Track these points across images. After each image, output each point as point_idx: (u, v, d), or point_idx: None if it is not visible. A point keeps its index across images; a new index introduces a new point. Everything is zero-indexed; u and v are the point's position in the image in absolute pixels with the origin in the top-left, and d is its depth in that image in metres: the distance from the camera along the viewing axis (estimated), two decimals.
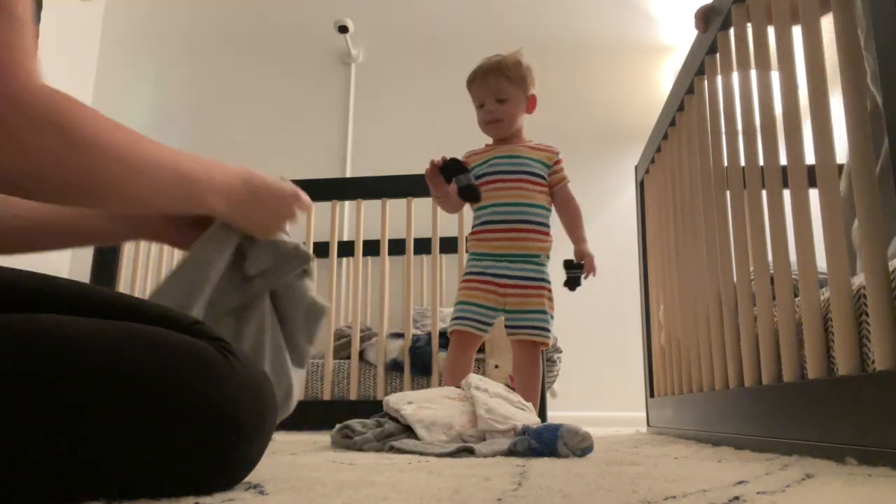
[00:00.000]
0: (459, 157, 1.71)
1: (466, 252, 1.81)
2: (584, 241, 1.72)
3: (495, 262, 1.71)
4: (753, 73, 1.26)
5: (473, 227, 1.78)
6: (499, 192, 1.72)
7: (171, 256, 2.71)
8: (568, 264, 1.69)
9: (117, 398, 0.51)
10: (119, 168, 0.59)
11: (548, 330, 1.67)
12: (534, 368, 1.68)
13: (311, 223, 2.41)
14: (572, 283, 1.68)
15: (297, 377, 0.82)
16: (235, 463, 0.57)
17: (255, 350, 0.77)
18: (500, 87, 1.74)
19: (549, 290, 1.70)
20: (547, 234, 1.73)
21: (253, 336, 0.78)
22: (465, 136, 2.05)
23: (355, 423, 1.29)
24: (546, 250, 1.72)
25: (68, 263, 3.32)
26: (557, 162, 1.77)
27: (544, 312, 1.67)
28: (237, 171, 0.75)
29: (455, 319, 1.72)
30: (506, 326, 1.71)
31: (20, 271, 0.60)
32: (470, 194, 1.66)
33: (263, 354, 0.77)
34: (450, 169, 1.65)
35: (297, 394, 0.82)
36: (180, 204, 0.70)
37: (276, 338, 0.80)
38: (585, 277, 1.70)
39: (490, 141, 1.83)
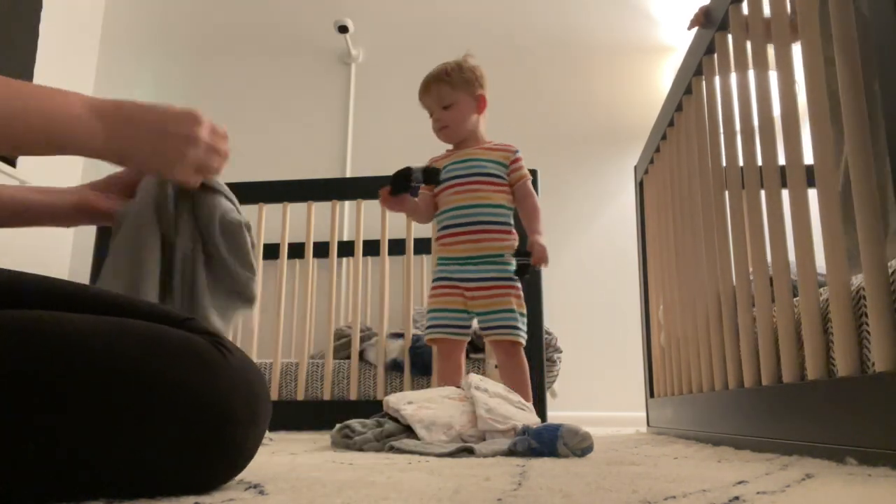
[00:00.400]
0: (425, 165, 1.72)
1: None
2: (536, 233, 1.71)
3: (460, 266, 1.72)
4: (751, 74, 1.26)
5: (437, 232, 1.79)
6: (455, 196, 1.74)
7: None
8: (516, 252, 1.70)
9: (115, 395, 0.51)
10: None
11: (518, 328, 1.68)
12: (516, 366, 1.68)
13: (311, 223, 2.41)
14: (520, 270, 1.68)
15: (233, 308, 0.80)
16: (231, 456, 0.57)
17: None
18: (442, 94, 1.78)
19: (517, 289, 1.71)
20: (509, 232, 1.74)
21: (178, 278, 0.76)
22: None
23: (355, 423, 1.29)
24: (509, 249, 1.73)
25: (68, 264, 3.32)
26: (515, 161, 1.77)
27: (513, 311, 1.68)
28: (88, 100, 0.65)
29: (428, 328, 1.73)
30: (480, 329, 1.72)
31: (16, 271, 0.60)
32: (432, 178, 1.66)
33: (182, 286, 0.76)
34: (401, 182, 1.65)
35: (227, 331, 0.79)
36: (27, 142, 0.62)
37: (195, 272, 0.77)
38: (536, 268, 1.69)
39: (451, 147, 1.84)
